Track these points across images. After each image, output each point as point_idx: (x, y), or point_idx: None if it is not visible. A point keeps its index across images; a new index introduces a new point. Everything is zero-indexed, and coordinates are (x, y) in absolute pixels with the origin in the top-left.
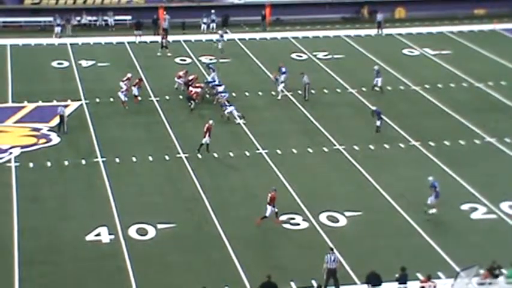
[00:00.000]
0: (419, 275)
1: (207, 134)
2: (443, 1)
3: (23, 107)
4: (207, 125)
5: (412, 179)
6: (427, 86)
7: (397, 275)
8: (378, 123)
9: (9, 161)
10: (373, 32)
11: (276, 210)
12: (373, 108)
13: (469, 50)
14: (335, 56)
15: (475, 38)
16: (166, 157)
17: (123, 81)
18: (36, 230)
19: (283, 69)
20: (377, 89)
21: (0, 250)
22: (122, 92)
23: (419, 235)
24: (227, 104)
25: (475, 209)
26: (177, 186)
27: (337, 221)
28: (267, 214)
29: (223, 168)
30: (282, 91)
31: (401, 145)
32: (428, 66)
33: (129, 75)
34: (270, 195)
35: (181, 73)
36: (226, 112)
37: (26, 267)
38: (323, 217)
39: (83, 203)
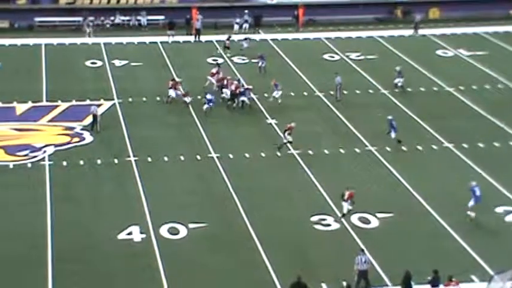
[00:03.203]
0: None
1: (287, 133)
2: (478, 1)
3: (57, 106)
4: (288, 125)
5: (445, 180)
6: (461, 88)
7: (429, 278)
8: (393, 135)
9: (43, 159)
10: (406, 32)
11: (351, 208)
12: (389, 117)
13: (505, 51)
14: (368, 57)
15: (510, 38)
16: (198, 157)
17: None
18: (69, 228)
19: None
20: (396, 90)
21: (34, 248)
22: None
23: (452, 237)
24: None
25: (510, 212)
26: (209, 186)
27: (369, 222)
28: (344, 211)
29: (254, 168)
30: (280, 96)
31: (434, 147)
32: (463, 67)
33: (178, 79)
34: (347, 192)
35: (214, 70)
36: (240, 99)
37: (59, 265)
38: (354, 218)
39: (115, 202)
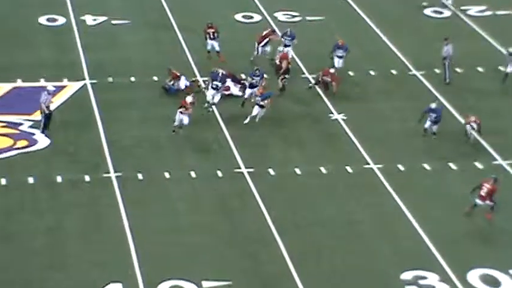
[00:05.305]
0: None
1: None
2: None
3: None
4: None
5: None
6: None
7: None
8: (430, 126)
9: None
10: None
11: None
12: (432, 106)
13: None
14: (497, 13)
15: None
16: (219, 172)
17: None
18: (11, 285)
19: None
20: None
21: None
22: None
23: None
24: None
25: None
26: (235, 220)
27: (498, 283)
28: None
29: (309, 190)
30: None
31: None
32: None
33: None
34: (487, 186)
35: (264, 33)
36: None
37: None
38: (473, 276)
39: (84, 245)
